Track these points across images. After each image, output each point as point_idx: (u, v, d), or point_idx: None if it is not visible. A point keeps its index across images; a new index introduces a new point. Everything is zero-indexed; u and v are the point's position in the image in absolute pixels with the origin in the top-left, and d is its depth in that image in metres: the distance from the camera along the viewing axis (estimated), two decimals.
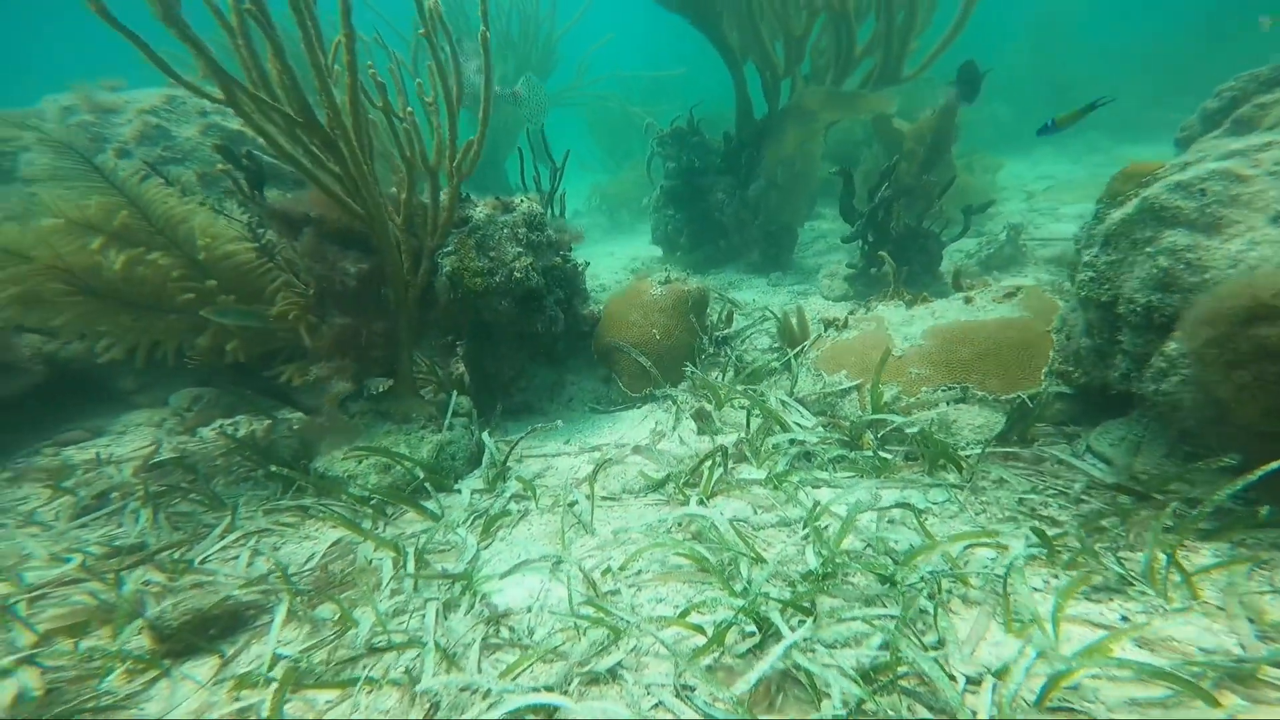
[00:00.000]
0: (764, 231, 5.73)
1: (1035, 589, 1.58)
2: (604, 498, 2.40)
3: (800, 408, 2.68)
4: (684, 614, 1.61)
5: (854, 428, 2.39)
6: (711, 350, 3.53)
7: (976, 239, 5.21)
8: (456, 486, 2.62)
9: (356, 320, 2.48)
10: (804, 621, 1.49)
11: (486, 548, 2.14)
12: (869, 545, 1.83)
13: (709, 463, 2.38)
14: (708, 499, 2.24)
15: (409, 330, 2.77)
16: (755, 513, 2.14)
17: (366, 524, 2.35)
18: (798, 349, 3.15)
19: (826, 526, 1.94)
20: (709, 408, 2.83)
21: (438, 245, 2.83)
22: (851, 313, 3.09)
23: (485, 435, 2.82)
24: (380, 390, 2.93)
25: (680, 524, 2.12)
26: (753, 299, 5.07)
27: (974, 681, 1.33)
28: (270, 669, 1.51)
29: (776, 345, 3.80)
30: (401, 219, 2.74)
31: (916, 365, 2.35)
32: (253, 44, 2.02)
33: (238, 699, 1.48)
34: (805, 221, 6.41)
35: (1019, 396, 2.18)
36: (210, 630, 1.68)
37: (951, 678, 1.30)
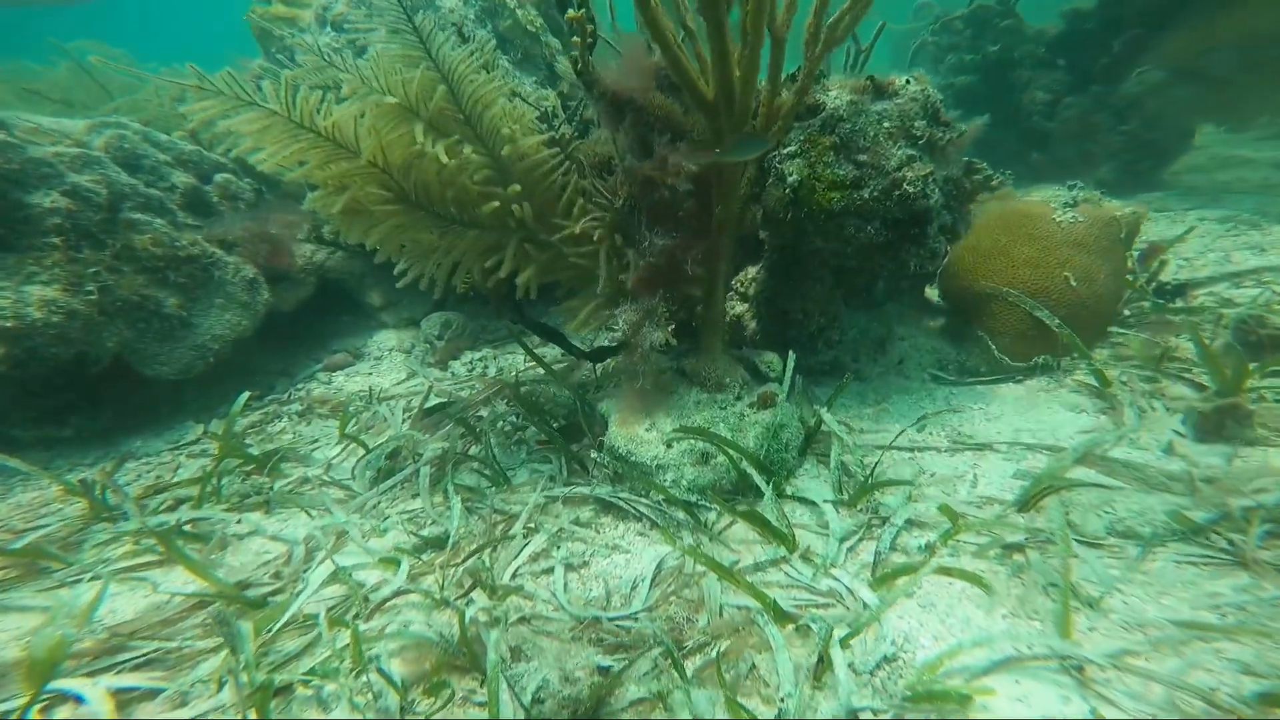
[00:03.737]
0: (1136, 140, 4.08)
1: None
2: (1078, 541, 1.44)
3: None
4: None
5: None
6: (1149, 303, 2.30)
7: None
8: (790, 489, 1.83)
9: (681, 243, 1.73)
10: None
11: (889, 606, 1.32)
12: None
13: None
14: None
15: (728, 260, 1.99)
16: None
17: (683, 533, 1.66)
18: None
19: None
20: (1246, 404, 1.67)
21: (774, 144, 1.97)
22: None
23: (826, 414, 1.99)
24: (659, 340, 2.20)
25: None
26: None
27: None
28: None
29: None
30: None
31: None
32: None
33: None
34: (1253, 123, 4.57)
35: None
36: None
37: None
